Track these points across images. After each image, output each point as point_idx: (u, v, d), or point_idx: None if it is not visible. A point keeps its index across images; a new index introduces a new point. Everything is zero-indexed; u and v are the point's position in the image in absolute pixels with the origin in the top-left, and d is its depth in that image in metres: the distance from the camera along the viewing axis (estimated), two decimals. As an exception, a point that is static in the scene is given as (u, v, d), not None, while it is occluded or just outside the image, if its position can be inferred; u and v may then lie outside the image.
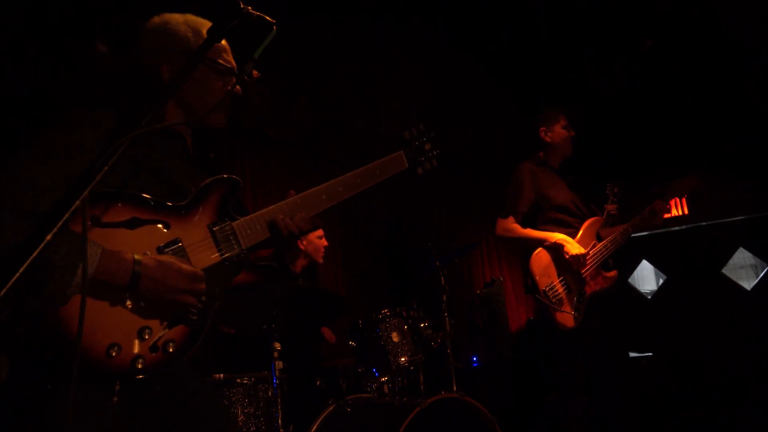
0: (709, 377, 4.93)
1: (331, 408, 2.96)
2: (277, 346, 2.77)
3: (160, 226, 1.47)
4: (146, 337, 1.40)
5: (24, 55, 3.10)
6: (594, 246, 3.31)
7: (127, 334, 1.38)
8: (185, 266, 1.45)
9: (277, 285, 2.77)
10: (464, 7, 5.08)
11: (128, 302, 1.39)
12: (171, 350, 1.44)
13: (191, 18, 1.67)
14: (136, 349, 1.38)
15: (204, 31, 1.62)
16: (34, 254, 1.03)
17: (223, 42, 1.70)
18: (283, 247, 1.79)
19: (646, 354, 5.35)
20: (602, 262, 3.32)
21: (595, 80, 5.63)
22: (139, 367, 1.37)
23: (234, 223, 1.61)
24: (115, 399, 1.36)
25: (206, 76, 1.64)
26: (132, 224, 1.41)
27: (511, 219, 3.32)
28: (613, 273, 3.36)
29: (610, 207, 3.45)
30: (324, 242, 3.87)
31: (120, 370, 1.36)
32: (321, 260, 3.87)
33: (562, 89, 5.73)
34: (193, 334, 1.49)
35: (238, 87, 1.65)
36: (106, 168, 1.15)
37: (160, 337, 1.42)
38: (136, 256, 1.38)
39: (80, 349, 1.17)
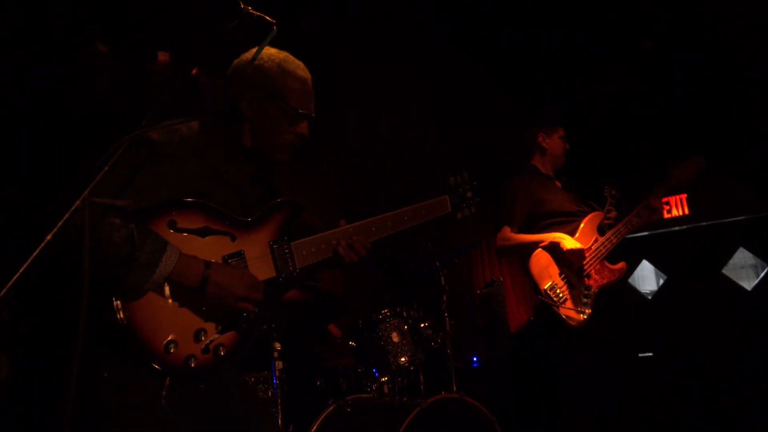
0: (709, 377, 4.93)
1: (331, 408, 2.96)
2: (277, 346, 2.77)
3: (227, 237, 1.59)
4: (202, 338, 1.50)
5: (26, 54, 3.10)
6: (596, 240, 3.31)
7: (185, 334, 1.48)
8: (247, 274, 1.58)
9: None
10: (464, 8, 5.09)
11: (192, 304, 1.49)
12: (221, 353, 1.53)
13: (285, 57, 1.77)
14: (190, 349, 1.48)
15: (293, 72, 1.75)
16: (34, 254, 1.03)
17: (309, 88, 1.79)
18: (338, 268, 1.91)
19: (646, 354, 5.36)
20: (608, 255, 3.31)
21: (595, 80, 5.64)
22: (192, 365, 1.47)
23: (293, 243, 1.73)
24: (164, 393, 1.44)
25: (275, 114, 1.74)
26: (204, 233, 1.54)
27: (506, 229, 3.32)
28: (619, 265, 3.34)
29: (609, 212, 3.45)
30: None
31: (174, 366, 1.45)
32: None
33: (561, 89, 5.73)
34: (241, 341, 1.59)
35: (306, 131, 1.78)
36: (106, 168, 1.16)
37: (212, 340, 1.52)
38: (207, 262, 1.50)
39: (81, 348, 1.18)
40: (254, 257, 1.64)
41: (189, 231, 1.51)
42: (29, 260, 1.02)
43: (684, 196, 5.75)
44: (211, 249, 1.55)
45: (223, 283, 1.50)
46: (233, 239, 1.60)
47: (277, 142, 1.77)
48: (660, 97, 5.62)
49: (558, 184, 3.53)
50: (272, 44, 1.58)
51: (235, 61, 1.78)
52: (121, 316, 1.36)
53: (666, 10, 4.81)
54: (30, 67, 3.10)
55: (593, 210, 3.43)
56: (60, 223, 1.08)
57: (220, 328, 1.54)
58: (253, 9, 1.34)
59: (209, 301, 1.51)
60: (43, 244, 1.05)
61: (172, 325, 1.45)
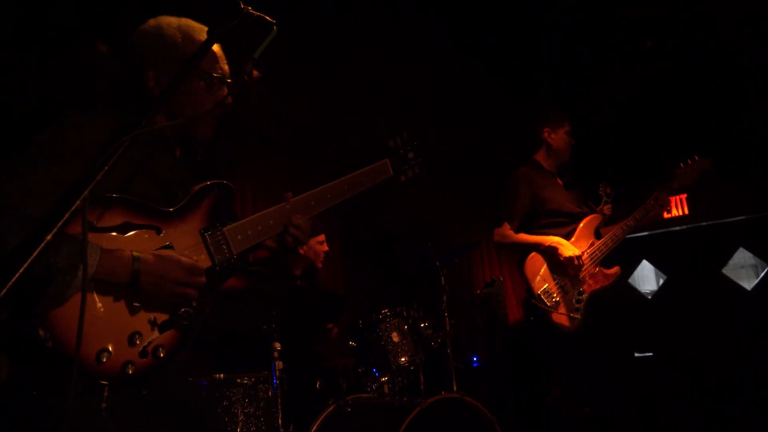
0: (709, 377, 4.93)
1: (331, 408, 2.96)
2: (277, 346, 2.77)
3: (152, 231, 1.47)
4: (137, 342, 1.40)
5: (26, 54, 3.10)
6: (592, 244, 3.29)
7: (118, 340, 1.38)
8: (185, 259, 1.47)
9: (277, 285, 2.78)
10: (465, 8, 5.08)
11: (122, 306, 1.39)
12: (161, 355, 1.44)
13: (186, 22, 1.64)
14: (126, 355, 1.39)
15: (197, 37, 1.61)
16: (34, 254, 1.03)
17: (216, 49, 1.66)
18: (286, 251, 1.78)
19: (646, 354, 5.36)
20: (603, 259, 3.30)
21: (595, 80, 5.63)
22: (129, 372, 1.38)
23: (225, 229, 1.61)
24: (104, 405, 1.36)
25: (190, 85, 1.61)
26: (124, 229, 1.42)
27: (506, 225, 3.30)
28: (614, 270, 3.32)
29: (604, 208, 3.44)
30: (325, 247, 3.87)
31: (110, 375, 1.36)
32: (320, 264, 3.88)
33: (562, 90, 5.73)
34: (182, 340, 1.50)
35: (229, 98, 1.62)
36: (106, 168, 1.15)
37: (150, 342, 1.43)
38: (135, 253, 1.39)
39: (79, 351, 1.18)
40: (185, 248, 1.52)
41: (107, 229, 1.38)
42: (29, 260, 1.02)
43: (684, 196, 5.76)
44: (136, 245, 1.43)
45: (158, 272, 1.40)
46: (159, 232, 1.48)
47: (198, 116, 1.62)
48: (659, 97, 5.62)
49: (559, 181, 3.50)
50: (273, 44, 1.57)
51: (129, 38, 1.63)
52: (41, 332, 1.26)
53: (666, 10, 4.81)
54: (30, 67, 3.10)
55: (592, 212, 3.41)
56: (60, 223, 1.07)
57: (157, 328, 1.44)
58: (253, 9, 1.33)
59: (146, 294, 1.41)
60: (42, 244, 1.04)
61: (103, 332, 1.34)
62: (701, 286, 5.54)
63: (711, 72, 5.29)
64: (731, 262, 5.72)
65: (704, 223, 5.70)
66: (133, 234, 1.44)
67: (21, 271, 1.00)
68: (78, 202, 1.11)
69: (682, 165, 3.34)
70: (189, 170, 1.71)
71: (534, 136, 3.54)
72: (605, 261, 3.31)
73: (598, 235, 3.35)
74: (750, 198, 5.41)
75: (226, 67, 1.67)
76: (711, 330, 5.24)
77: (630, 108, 5.77)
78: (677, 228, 5.84)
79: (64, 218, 1.08)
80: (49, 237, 1.05)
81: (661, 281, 6.11)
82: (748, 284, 5.61)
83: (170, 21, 1.63)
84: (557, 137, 3.45)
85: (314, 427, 2.87)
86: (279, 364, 2.74)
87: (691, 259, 5.69)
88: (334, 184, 1.89)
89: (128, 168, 1.46)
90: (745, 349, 4.98)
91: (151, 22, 1.64)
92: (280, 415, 2.70)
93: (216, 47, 1.66)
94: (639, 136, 5.85)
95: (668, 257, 5.90)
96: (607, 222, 3.42)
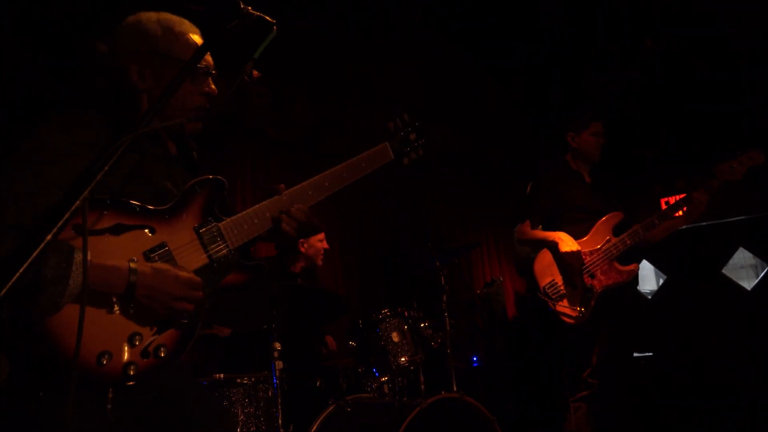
0: (709, 377, 4.93)
1: (331, 408, 2.96)
2: (277, 346, 2.77)
3: (145, 230, 1.46)
4: (137, 343, 1.40)
5: (27, 54, 3.10)
6: (608, 240, 3.30)
7: (118, 341, 1.37)
8: (182, 273, 1.45)
9: (277, 284, 2.78)
10: (464, 9, 5.09)
11: (118, 309, 1.39)
12: (163, 355, 1.43)
13: (165, 16, 1.63)
14: (127, 356, 1.38)
15: (177, 29, 1.61)
16: (34, 254, 1.03)
17: (198, 40, 1.65)
18: (283, 241, 1.77)
19: (646, 354, 5.35)
20: (622, 256, 3.30)
21: (596, 81, 5.64)
22: (131, 373, 1.37)
23: (220, 224, 1.59)
24: (109, 407, 1.35)
25: (174, 76, 1.54)
26: (117, 230, 1.40)
27: (527, 223, 3.37)
28: (630, 267, 3.32)
29: None
30: (325, 245, 3.88)
31: (112, 377, 1.36)
32: (320, 262, 3.89)
33: (562, 90, 5.73)
34: (184, 338, 1.49)
35: (213, 86, 1.62)
36: (106, 168, 1.15)
37: (150, 343, 1.42)
38: (132, 265, 1.38)
39: (78, 354, 1.18)
40: (180, 246, 1.50)
41: (100, 232, 1.36)
42: (29, 260, 1.02)
43: (683, 195, 5.75)
44: (129, 246, 1.41)
45: (154, 285, 1.39)
46: (152, 232, 1.46)
47: (187, 108, 1.59)
48: (659, 97, 5.62)
49: (588, 180, 3.53)
50: (273, 43, 1.57)
51: (110, 35, 1.62)
52: (39, 341, 1.25)
53: (666, 10, 4.81)
54: (31, 68, 3.10)
55: (615, 210, 3.41)
56: (60, 223, 1.07)
57: (156, 328, 1.43)
58: (253, 9, 1.33)
59: (139, 305, 1.40)
60: (43, 244, 1.04)
61: (101, 336, 1.33)
62: (701, 286, 5.53)
63: (711, 71, 5.29)
64: (731, 262, 5.71)
65: (704, 223, 5.69)
66: (126, 235, 1.42)
67: (21, 270, 1.00)
68: (78, 202, 1.11)
69: (728, 161, 3.30)
70: (185, 166, 1.69)
71: (562, 141, 3.58)
72: (625, 258, 3.32)
73: (617, 232, 3.35)
74: (750, 198, 5.40)
75: (210, 59, 1.65)
76: (711, 330, 5.23)
77: (630, 108, 5.77)
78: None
79: (64, 218, 1.08)
80: (49, 237, 1.05)
81: (661, 281, 6.11)
82: (748, 284, 5.61)
83: (149, 15, 1.62)
84: (580, 140, 3.49)
85: (314, 427, 2.87)
86: (279, 364, 2.74)
87: (691, 259, 5.68)
88: (332, 171, 1.86)
89: (119, 169, 1.41)
90: (745, 349, 4.97)
91: (130, 18, 1.62)
92: (280, 415, 2.70)
93: (197, 39, 1.64)
94: (638, 136, 5.84)
95: (668, 257, 5.89)
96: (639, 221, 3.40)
